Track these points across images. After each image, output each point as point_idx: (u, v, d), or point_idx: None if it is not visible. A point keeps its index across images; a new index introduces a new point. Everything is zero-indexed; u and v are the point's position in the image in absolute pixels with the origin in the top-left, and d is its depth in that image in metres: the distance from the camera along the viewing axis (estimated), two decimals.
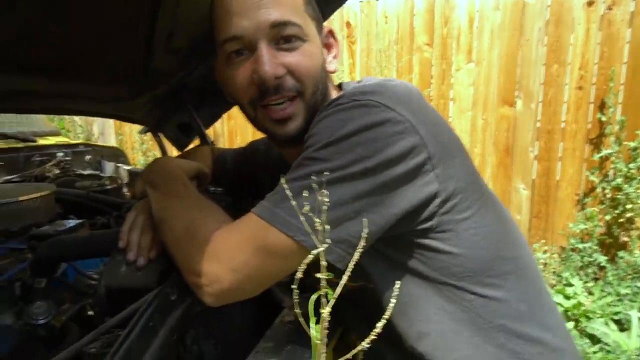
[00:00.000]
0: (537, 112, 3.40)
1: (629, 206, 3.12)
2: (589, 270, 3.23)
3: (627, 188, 3.11)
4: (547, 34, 3.29)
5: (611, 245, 3.26)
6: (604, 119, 3.17)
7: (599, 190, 3.26)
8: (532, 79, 3.38)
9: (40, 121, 2.03)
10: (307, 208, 0.53)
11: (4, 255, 0.97)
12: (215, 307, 0.81)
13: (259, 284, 0.78)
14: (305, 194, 0.65)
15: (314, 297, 0.49)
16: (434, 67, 3.68)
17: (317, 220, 0.49)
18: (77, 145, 1.93)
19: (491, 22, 3.45)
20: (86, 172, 1.79)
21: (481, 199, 0.84)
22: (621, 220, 3.20)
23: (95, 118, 5.73)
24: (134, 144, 5.48)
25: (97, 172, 1.89)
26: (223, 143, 4.52)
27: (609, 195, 3.23)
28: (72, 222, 1.07)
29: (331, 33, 0.98)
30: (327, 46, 0.97)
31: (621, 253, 3.14)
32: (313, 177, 0.69)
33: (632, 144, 3.08)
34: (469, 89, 3.58)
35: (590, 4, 3.15)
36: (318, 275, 0.51)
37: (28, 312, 0.84)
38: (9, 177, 1.55)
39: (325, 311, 0.47)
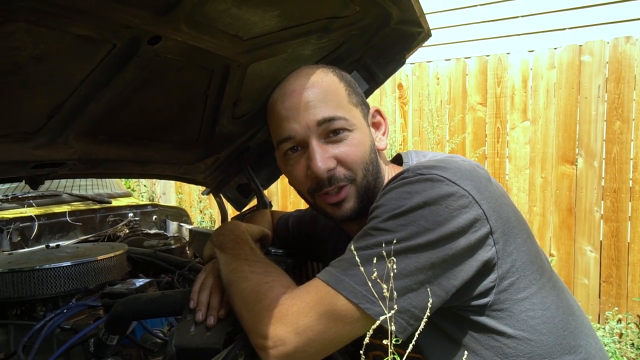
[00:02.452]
0: (600, 170, 3.26)
1: None
2: None
3: None
4: (607, 91, 3.22)
5: None
6: None
7: None
8: (592, 136, 3.27)
9: (115, 183, 2.19)
10: (374, 276, 0.54)
11: (80, 311, 1.03)
12: None
13: (322, 348, 0.78)
14: (370, 263, 0.67)
15: None
16: (487, 126, 3.67)
17: (384, 287, 0.50)
18: (145, 205, 2.06)
19: (546, 80, 3.42)
20: (152, 231, 1.89)
21: (541, 280, 0.83)
22: None
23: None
24: (192, 202, 5.72)
25: (162, 232, 1.98)
26: (276, 201, 4.63)
27: None
28: (140, 281, 1.13)
29: (378, 112, 1.04)
30: (375, 125, 1.03)
31: None
32: (378, 248, 0.72)
33: None
34: (525, 147, 3.52)
35: None
36: (385, 341, 0.51)
37: None
38: (85, 237, 1.67)
39: None
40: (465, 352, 0.81)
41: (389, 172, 1.01)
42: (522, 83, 3.52)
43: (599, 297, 3.26)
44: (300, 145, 0.95)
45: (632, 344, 3.05)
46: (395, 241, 0.73)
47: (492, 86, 3.62)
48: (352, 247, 0.77)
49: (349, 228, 1.04)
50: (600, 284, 3.27)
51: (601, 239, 3.26)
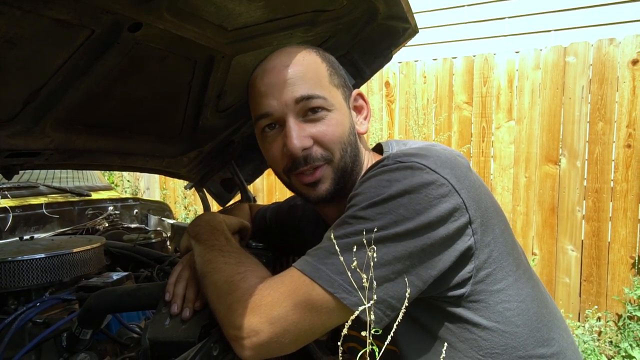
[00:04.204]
0: (583, 170, 3.30)
1: None
2: None
3: None
4: (591, 92, 3.26)
5: None
6: None
7: None
8: (576, 136, 3.31)
9: (95, 176, 2.15)
10: (352, 266, 0.53)
11: (54, 305, 1.00)
12: None
13: (297, 339, 0.77)
14: (347, 252, 0.66)
15: (360, 353, 0.48)
16: (473, 125, 3.69)
17: (363, 276, 0.49)
18: (126, 199, 2.02)
19: (531, 81, 3.45)
20: (133, 226, 1.86)
21: (517, 271, 0.83)
22: None
23: (142, 173, 6.00)
24: (176, 198, 5.66)
25: (143, 226, 1.95)
26: (262, 198, 4.60)
27: None
28: (118, 274, 1.10)
29: (360, 95, 1.02)
30: (357, 108, 1.01)
31: None
32: (356, 237, 0.71)
33: None
34: (510, 146, 3.55)
35: (634, 62, 3.12)
36: (363, 333, 0.50)
37: None
38: (62, 230, 1.63)
39: None
40: (441, 344, 0.80)
41: (368, 158, 0.99)
42: (508, 83, 3.55)
43: (580, 296, 3.31)
44: (278, 122, 0.93)
45: (611, 341, 3.10)
46: (373, 230, 0.71)
47: (478, 86, 3.64)
48: (330, 236, 0.76)
49: (326, 212, 1.02)
50: (580, 282, 3.31)
51: (582, 238, 3.31)
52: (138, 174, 6.04)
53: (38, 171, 1.83)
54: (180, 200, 5.60)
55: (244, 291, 0.78)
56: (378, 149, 1.03)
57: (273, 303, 0.75)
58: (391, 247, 0.72)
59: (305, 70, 0.92)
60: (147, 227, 1.94)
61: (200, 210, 5.50)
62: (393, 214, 0.73)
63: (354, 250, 0.68)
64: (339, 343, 0.49)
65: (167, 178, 5.76)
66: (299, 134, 0.89)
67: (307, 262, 0.76)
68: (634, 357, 2.85)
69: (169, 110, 1.42)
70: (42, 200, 1.65)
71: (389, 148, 0.96)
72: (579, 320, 3.31)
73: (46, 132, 1.13)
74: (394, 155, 0.81)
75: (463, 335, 0.79)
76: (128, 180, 6.10)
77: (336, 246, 0.68)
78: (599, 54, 3.22)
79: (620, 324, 3.13)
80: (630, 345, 2.97)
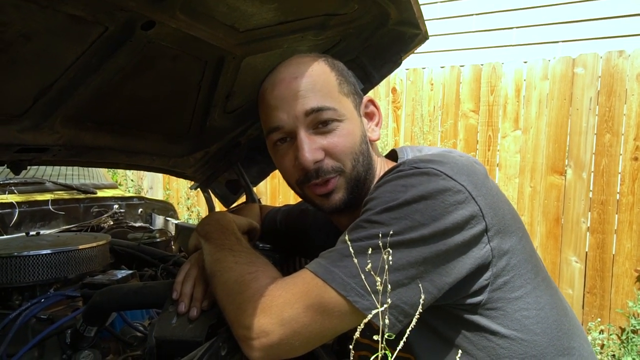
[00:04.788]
0: (589, 181, 3.29)
1: None
2: None
3: None
4: (599, 104, 3.25)
5: None
6: None
7: None
8: (582, 148, 3.30)
9: (101, 174, 2.15)
10: (366, 269, 0.52)
11: (58, 302, 1.00)
12: None
13: (307, 341, 0.76)
14: (361, 256, 0.65)
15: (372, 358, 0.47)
16: (479, 134, 3.68)
17: (378, 280, 0.48)
18: (131, 198, 2.02)
19: (539, 91, 3.45)
20: (137, 224, 1.86)
21: (536, 279, 0.82)
22: None
23: (146, 173, 6.02)
24: (180, 199, 5.66)
25: (147, 225, 1.95)
26: (265, 201, 4.60)
27: None
28: (122, 272, 1.10)
29: (371, 102, 1.01)
30: (369, 115, 1.00)
31: None
32: (370, 241, 0.70)
33: None
34: (516, 156, 3.54)
35: None
36: (375, 337, 0.49)
37: None
38: (67, 227, 1.63)
39: None
40: (458, 352, 0.79)
41: (381, 165, 0.99)
42: (515, 92, 3.54)
43: (582, 308, 3.28)
44: (289, 135, 0.93)
45: (614, 355, 3.07)
46: (388, 234, 0.71)
47: (485, 94, 3.64)
48: (344, 239, 0.75)
49: (339, 221, 1.02)
50: (584, 294, 3.29)
51: (587, 250, 3.29)
52: (142, 173, 6.06)
53: (44, 168, 1.84)
54: (184, 201, 5.61)
55: (254, 291, 0.77)
56: (392, 155, 1.03)
57: (284, 304, 0.74)
58: (405, 252, 0.71)
59: (314, 81, 0.91)
60: (151, 227, 1.93)
61: (203, 211, 5.50)
62: (408, 219, 0.72)
63: (368, 254, 0.67)
64: (351, 346, 0.48)
65: (171, 178, 5.77)
66: (310, 147, 0.89)
67: (320, 265, 0.76)
68: None
69: (177, 110, 1.42)
70: (48, 196, 1.65)
71: (403, 154, 0.96)
72: None
73: (55, 128, 1.13)
74: (410, 161, 0.81)
75: (481, 344, 0.78)
76: (132, 180, 6.11)
77: (350, 249, 0.67)
78: (608, 66, 3.22)
79: (623, 337, 3.10)
80: (634, 359, 2.94)
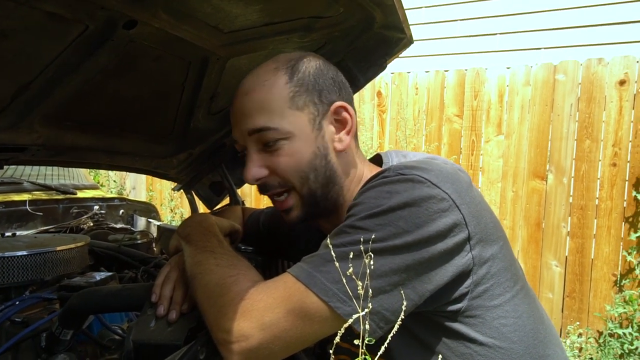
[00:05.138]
0: (569, 187, 3.34)
1: None
2: None
3: None
4: (579, 110, 3.31)
5: None
6: None
7: (638, 271, 3.11)
8: (563, 153, 3.36)
9: (81, 175, 2.11)
10: (348, 274, 0.52)
11: (34, 304, 0.98)
12: None
13: (287, 346, 0.76)
14: (344, 261, 0.65)
15: None
16: (463, 138, 3.72)
17: (359, 284, 0.48)
18: (112, 199, 1.99)
19: (521, 96, 3.50)
20: (118, 226, 1.83)
21: (514, 287, 0.83)
22: None
23: (129, 174, 5.95)
24: (163, 200, 5.60)
25: (128, 226, 1.92)
26: (250, 203, 4.57)
27: None
28: (101, 275, 1.08)
29: (344, 108, 0.93)
30: (340, 122, 0.95)
31: None
32: (353, 246, 0.70)
33: None
34: (499, 160, 3.58)
35: (622, 83, 3.18)
36: (356, 342, 0.49)
37: None
38: (45, 228, 1.60)
39: None
40: (437, 358, 0.80)
41: (361, 171, 0.98)
42: (499, 98, 3.59)
43: (562, 312, 3.34)
44: (245, 149, 0.94)
45: (591, 358, 3.12)
46: (371, 240, 0.71)
47: (469, 99, 3.68)
48: (327, 244, 0.75)
49: (320, 225, 1.02)
50: (563, 298, 3.34)
51: (567, 254, 3.34)
52: (125, 174, 5.98)
53: (22, 168, 1.80)
54: (167, 202, 5.55)
55: (235, 294, 0.76)
56: (377, 159, 1.02)
57: (265, 308, 0.73)
58: (388, 259, 0.71)
59: (263, 98, 0.89)
60: (132, 228, 1.91)
61: (187, 213, 5.45)
62: (392, 225, 0.72)
63: (351, 259, 0.67)
64: (331, 351, 0.48)
65: (155, 179, 5.71)
66: (254, 165, 0.91)
67: (303, 269, 0.75)
68: None
69: (160, 111, 1.41)
70: (25, 197, 1.61)
71: (388, 159, 0.95)
72: (560, 336, 3.33)
73: (34, 127, 1.11)
74: (396, 167, 0.81)
75: (459, 350, 0.79)
76: (114, 181, 6.03)
77: (333, 254, 0.67)
78: (588, 73, 3.28)
79: (601, 340, 3.16)
80: None
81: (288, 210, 0.94)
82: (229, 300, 0.76)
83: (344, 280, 0.67)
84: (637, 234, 3.08)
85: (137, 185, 6.00)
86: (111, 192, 5.68)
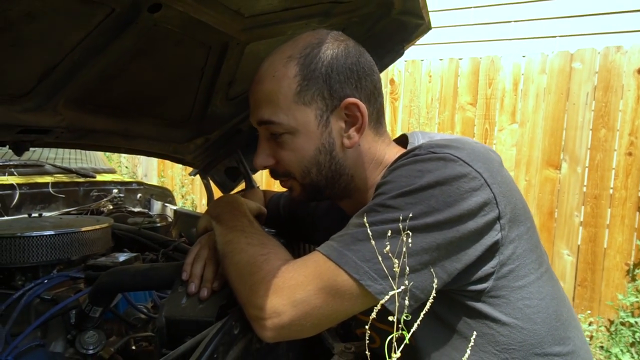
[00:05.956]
0: (583, 176, 3.32)
1: None
2: None
3: None
4: (595, 99, 3.27)
5: None
6: None
7: None
8: (578, 142, 3.33)
9: (99, 159, 2.14)
10: (382, 252, 0.53)
11: (61, 282, 1.00)
12: (265, 350, 0.80)
13: (318, 323, 0.77)
14: (375, 240, 0.66)
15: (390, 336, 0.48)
16: (476, 127, 3.70)
17: (396, 262, 0.49)
18: (130, 183, 2.02)
19: (537, 85, 3.46)
20: (136, 210, 1.85)
21: (539, 269, 0.83)
22: None
23: (141, 160, 5.99)
24: (174, 186, 5.65)
25: (146, 210, 1.95)
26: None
27: None
28: (125, 255, 1.10)
29: (355, 105, 0.89)
30: (351, 118, 0.91)
31: None
32: (384, 225, 0.71)
33: None
34: (512, 149, 3.56)
35: None
36: (390, 318, 0.51)
37: (80, 341, 0.85)
38: (67, 210, 1.63)
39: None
40: (457, 338, 0.81)
41: (382, 156, 0.96)
42: (513, 86, 3.56)
43: (573, 300, 3.33)
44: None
45: (602, 346, 3.13)
46: (402, 219, 0.71)
47: (483, 87, 3.65)
48: (357, 222, 0.76)
49: (341, 204, 1.04)
50: (575, 287, 3.34)
51: (579, 243, 3.33)
52: (136, 160, 6.03)
53: (40, 151, 1.83)
54: (178, 188, 5.59)
55: (267, 272, 0.78)
56: (402, 139, 1.02)
57: (297, 286, 0.75)
58: (419, 238, 0.72)
59: (271, 90, 0.89)
60: (149, 212, 1.93)
61: (198, 199, 5.49)
62: (423, 204, 0.72)
63: (383, 238, 0.68)
64: (367, 327, 0.49)
65: (166, 166, 5.74)
66: (264, 152, 0.94)
67: (333, 248, 0.76)
68: None
69: (179, 95, 1.42)
70: (48, 179, 1.64)
71: (414, 139, 0.95)
72: None
73: (58, 109, 1.12)
74: (427, 145, 0.80)
75: (481, 330, 0.79)
76: (126, 167, 6.08)
77: (363, 233, 0.68)
78: (606, 62, 3.24)
79: (612, 329, 3.16)
80: (621, 350, 3.00)
81: (290, 190, 0.98)
82: (260, 278, 0.78)
83: (375, 259, 0.68)
84: None
85: (148, 172, 6.05)
86: (124, 177, 5.74)
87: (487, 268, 0.77)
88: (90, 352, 0.86)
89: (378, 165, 0.96)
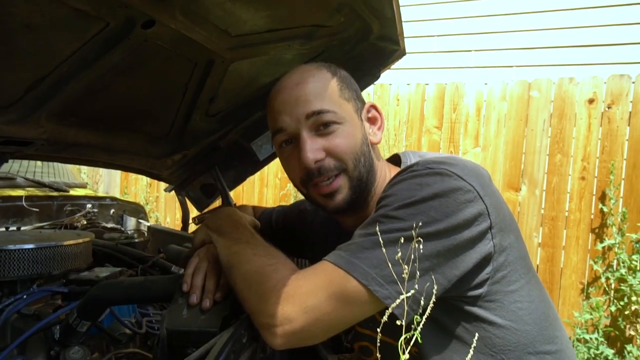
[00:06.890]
0: (541, 198, 3.48)
1: (634, 298, 3.10)
2: None
3: (631, 280, 3.11)
4: (551, 126, 3.47)
5: (617, 338, 3.19)
6: (605, 209, 3.25)
7: (603, 279, 3.26)
8: (536, 166, 3.50)
9: (71, 173, 2.08)
10: (396, 258, 0.57)
11: (39, 299, 0.97)
12: None
13: (328, 329, 0.80)
14: (380, 248, 0.70)
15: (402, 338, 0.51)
16: (441, 150, 3.83)
17: (405, 269, 0.53)
18: (104, 198, 1.97)
19: (498, 111, 3.64)
20: (109, 225, 1.81)
21: (528, 274, 0.90)
22: (627, 312, 3.17)
23: (103, 175, 5.82)
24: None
25: (118, 226, 1.91)
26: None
27: (613, 286, 3.23)
28: (108, 270, 1.09)
29: (374, 107, 1.06)
30: (371, 120, 1.06)
31: (629, 347, 3.07)
32: (388, 235, 0.75)
33: (635, 236, 3.13)
34: None
35: (591, 101, 3.35)
36: (398, 322, 0.53)
37: (65, 357, 0.83)
38: (41, 224, 1.58)
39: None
40: (456, 342, 0.85)
41: (382, 168, 1.04)
42: (476, 111, 3.72)
43: None
44: (293, 137, 0.97)
45: None
46: (405, 229, 0.76)
47: (448, 112, 3.80)
48: (362, 233, 0.80)
49: (344, 221, 1.06)
50: None
51: (538, 263, 3.47)
52: (98, 176, 5.85)
53: (11, 163, 1.77)
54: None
55: (277, 281, 0.80)
56: (394, 159, 1.09)
57: (307, 293, 0.78)
58: (421, 246, 0.76)
59: (315, 86, 0.97)
60: (122, 228, 1.89)
61: (162, 217, 5.36)
62: (424, 215, 0.78)
63: (386, 246, 0.72)
64: (375, 335, 0.51)
65: (129, 182, 5.61)
66: (312, 147, 0.94)
67: (341, 256, 0.80)
68: None
69: (161, 110, 1.42)
70: (20, 192, 1.59)
71: (407, 158, 1.02)
72: None
73: (41, 122, 1.11)
74: (423, 162, 0.87)
75: (477, 333, 0.84)
76: (87, 183, 5.89)
77: (369, 242, 0.72)
78: (560, 91, 3.45)
79: None
80: None
81: (334, 192, 0.96)
82: (270, 286, 0.80)
83: (382, 266, 0.72)
84: (603, 244, 3.24)
85: (110, 189, 5.87)
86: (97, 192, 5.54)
87: (482, 274, 0.83)
88: None
89: (384, 178, 1.03)
